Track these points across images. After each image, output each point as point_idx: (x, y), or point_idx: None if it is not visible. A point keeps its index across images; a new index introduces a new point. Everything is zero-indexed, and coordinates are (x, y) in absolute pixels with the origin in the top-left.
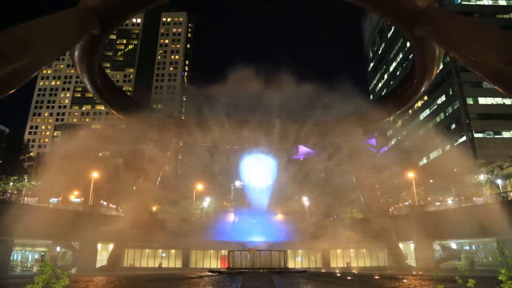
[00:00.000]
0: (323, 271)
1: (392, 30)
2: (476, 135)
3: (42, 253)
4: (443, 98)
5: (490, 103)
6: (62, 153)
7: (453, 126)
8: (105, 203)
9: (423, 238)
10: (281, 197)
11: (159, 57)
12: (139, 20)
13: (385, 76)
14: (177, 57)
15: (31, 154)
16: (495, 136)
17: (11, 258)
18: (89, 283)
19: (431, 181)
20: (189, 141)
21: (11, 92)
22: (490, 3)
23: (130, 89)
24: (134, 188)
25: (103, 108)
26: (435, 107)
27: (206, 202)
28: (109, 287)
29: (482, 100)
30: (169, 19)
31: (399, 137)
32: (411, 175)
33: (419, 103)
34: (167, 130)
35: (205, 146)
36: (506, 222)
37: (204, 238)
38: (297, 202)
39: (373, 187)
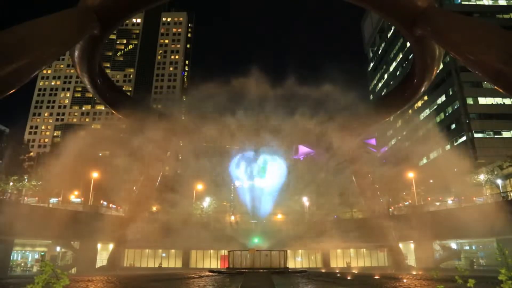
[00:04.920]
0: (323, 271)
1: (392, 30)
2: (476, 135)
3: (42, 253)
4: (443, 98)
5: (490, 103)
6: (62, 153)
7: (453, 126)
8: (105, 203)
9: (423, 238)
10: (281, 197)
11: (159, 57)
12: (139, 20)
13: (385, 76)
14: (177, 57)
15: (31, 154)
16: (495, 136)
17: (11, 258)
18: (89, 283)
19: (431, 181)
20: (189, 141)
21: (11, 92)
22: (490, 3)
23: (130, 89)
24: (134, 188)
25: (103, 108)
26: (435, 107)
27: (206, 202)
28: (109, 287)
29: (482, 100)
30: (169, 19)
31: (399, 137)
32: (411, 175)
33: (419, 103)
34: (167, 130)
35: (205, 146)
36: (506, 222)
37: (204, 238)
38: (297, 202)
39: (373, 187)
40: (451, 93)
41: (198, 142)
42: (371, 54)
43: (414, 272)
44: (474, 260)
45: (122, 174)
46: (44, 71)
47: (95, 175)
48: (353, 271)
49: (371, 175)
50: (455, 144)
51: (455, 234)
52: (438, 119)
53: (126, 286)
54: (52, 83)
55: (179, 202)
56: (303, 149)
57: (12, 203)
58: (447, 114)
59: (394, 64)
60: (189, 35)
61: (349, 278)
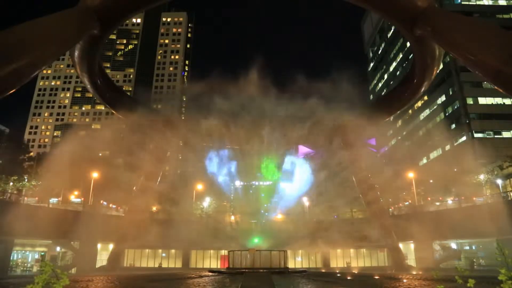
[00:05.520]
0: (323, 271)
1: (392, 30)
2: (476, 135)
3: (42, 253)
4: (443, 98)
5: (490, 103)
6: (62, 153)
7: (453, 126)
8: (105, 203)
9: (423, 238)
10: (281, 197)
11: (159, 57)
12: (139, 20)
13: (385, 76)
14: (177, 57)
15: (31, 154)
16: (495, 136)
17: (11, 258)
18: (89, 283)
19: (431, 181)
20: (189, 141)
21: (11, 92)
22: (490, 3)
23: (130, 89)
24: (134, 188)
25: (103, 108)
26: (435, 107)
27: (206, 202)
28: (109, 287)
29: (482, 100)
30: (169, 19)
31: (399, 137)
32: (411, 175)
33: (419, 103)
34: (167, 130)
35: (205, 146)
36: (506, 222)
37: (204, 238)
38: (297, 202)
39: (373, 187)
40: (451, 93)
41: (198, 142)
42: (371, 54)
43: (414, 272)
44: (474, 260)
45: (122, 174)
46: (44, 71)
47: (95, 175)
48: (353, 271)
49: (371, 175)
50: (455, 144)
51: (455, 234)
52: (438, 119)
53: (126, 286)
54: (52, 83)
55: (179, 202)
56: (303, 149)
57: (12, 203)
58: (447, 114)
59: (394, 64)
60: (189, 35)
61: (349, 278)
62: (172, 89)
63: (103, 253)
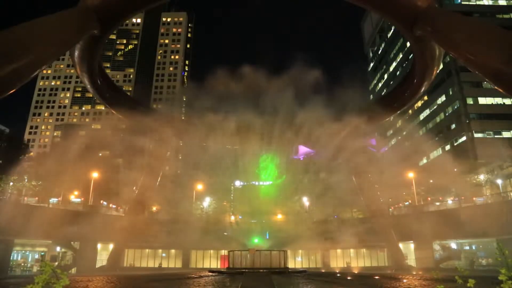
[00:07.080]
0: (323, 271)
1: (392, 30)
2: (476, 135)
3: (42, 253)
4: (443, 98)
5: (490, 103)
6: (62, 153)
7: (453, 126)
8: (105, 203)
9: (423, 238)
10: (281, 197)
11: (159, 57)
12: (139, 20)
13: (385, 76)
14: (177, 57)
15: (31, 154)
16: (495, 136)
17: (11, 258)
18: (89, 283)
19: (431, 181)
20: (189, 141)
21: (11, 92)
22: (490, 3)
23: (130, 89)
24: (134, 188)
25: (103, 108)
26: (435, 107)
27: (206, 202)
28: (109, 287)
29: (482, 100)
30: (169, 19)
31: (399, 137)
32: (411, 175)
33: (419, 103)
34: (167, 130)
35: (205, 145)
36: (506, 222)
37: (204, 238)
38: (297, 202)
39: (373, 187)
40: (451, 93)
41: (199, 142)
42: (371, 54)
43: (414, 272)
44: (474, 260)
45: (122, 174)
46: (44, 71)
47: (95, 175)
48: (353, 271)
49: (371, 175)
50: (455, 144)
51: (455, 234)
52: (438, 119)
53: (126, 286)
54: (52, 83)
55: (179, 202)
56: (303, 149)
57: (12, 203)
58: (447, 114)
59: (394, 64)
60: (189, 35)
61: (349, 278)
62: (172, 89)
63: (103, 253)
